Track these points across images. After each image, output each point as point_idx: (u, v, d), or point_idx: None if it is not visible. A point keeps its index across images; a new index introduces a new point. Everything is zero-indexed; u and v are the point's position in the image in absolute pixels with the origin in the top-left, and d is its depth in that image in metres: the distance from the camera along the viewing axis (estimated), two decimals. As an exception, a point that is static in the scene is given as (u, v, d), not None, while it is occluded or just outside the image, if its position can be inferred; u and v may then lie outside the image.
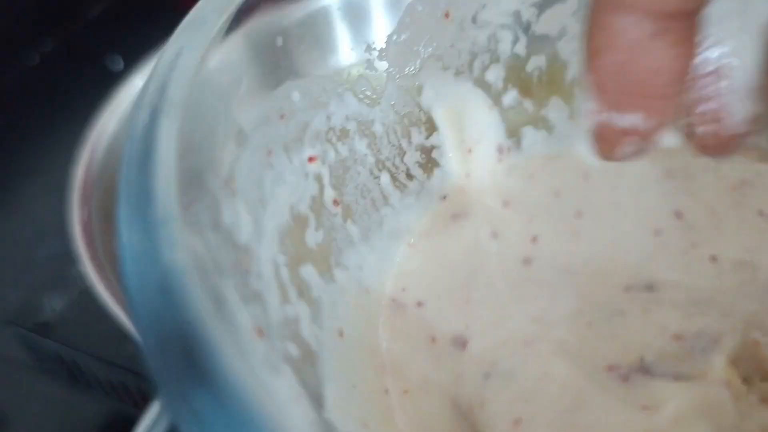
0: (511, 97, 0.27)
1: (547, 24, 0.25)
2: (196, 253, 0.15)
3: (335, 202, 0.23)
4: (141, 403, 0.36)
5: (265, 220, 0.20)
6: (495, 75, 0.26)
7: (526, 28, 0.25)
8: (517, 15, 0.25)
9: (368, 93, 0.24)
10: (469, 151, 0.26)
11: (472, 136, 0.26)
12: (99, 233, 0.40)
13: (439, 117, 0.25)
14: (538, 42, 0.26)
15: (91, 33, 0.63)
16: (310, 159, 0.22)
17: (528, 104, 0.27)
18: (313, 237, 0.22)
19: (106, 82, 0.47)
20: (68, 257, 0.39)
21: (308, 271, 0.21)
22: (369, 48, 0.24)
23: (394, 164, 0.25)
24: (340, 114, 0.23)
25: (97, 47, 0.61)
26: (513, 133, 0.27)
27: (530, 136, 0.27)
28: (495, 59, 0.26)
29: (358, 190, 0.24)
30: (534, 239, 0.25)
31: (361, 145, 0.24)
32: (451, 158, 0.26)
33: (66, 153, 0.44)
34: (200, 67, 0.18)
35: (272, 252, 0.19)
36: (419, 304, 0.24)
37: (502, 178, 0.27)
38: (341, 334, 0.21)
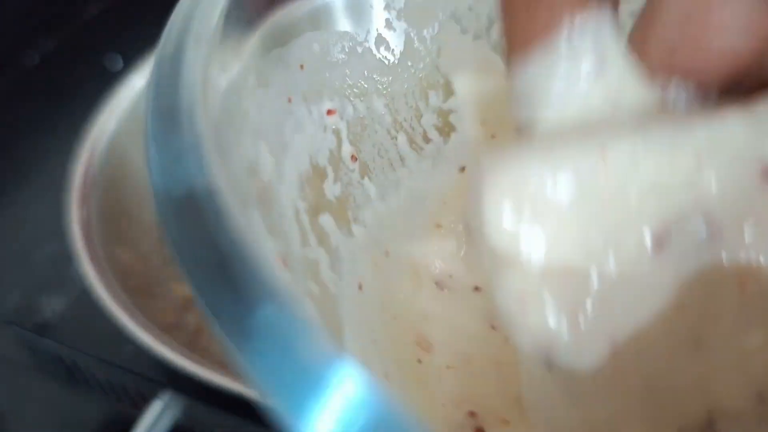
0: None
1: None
2: (224, 177, 0.14)
3: (353, 158, 0.23)
4: (140, 403, 0.36)
5: (286, 164, 0.19)
6: (513, 41, 0.26)
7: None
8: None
9: (387, 52, 0.24)
10: (493, 136, 0.26)
11: (491, 108, 0.26)
12: (98, 233, 0.40)
13: (458, 81, 0.25)
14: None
15: (91, 33, 0.63)
16: (329, 112, 0.22)
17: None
18: (331, 189, 0.22)
19: (105, 82, 0.47)
20: (67, 257, 0.39)
21: (327, 221, 0.21)
22: (388, 6, 0.24)
23: (411, 126, 0.25)
24: (359, 71, 0.23)
25: (96, 47, 0.61)
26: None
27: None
28: (513, 25, 0.26)
29: (375, 149, 0.24)
30: None
31: (379, 104, 0.24)
32: (467, 124, 0.26)
33: (65, 153, 0.44)
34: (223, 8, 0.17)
35: (293, 196, 0.19)
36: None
37: None
38: (360, 287, 0.21)
